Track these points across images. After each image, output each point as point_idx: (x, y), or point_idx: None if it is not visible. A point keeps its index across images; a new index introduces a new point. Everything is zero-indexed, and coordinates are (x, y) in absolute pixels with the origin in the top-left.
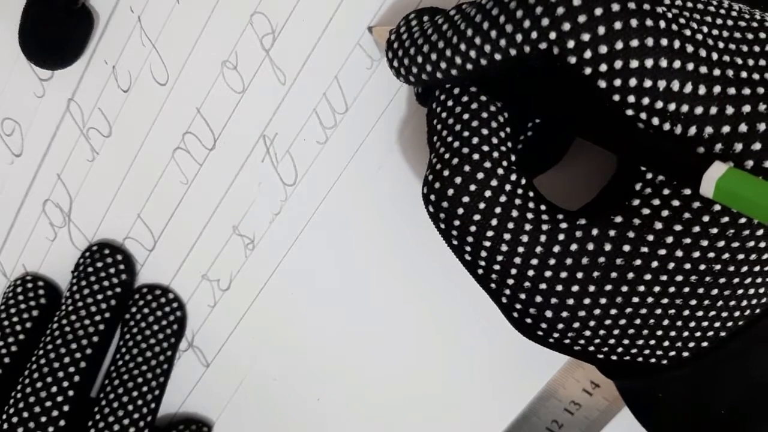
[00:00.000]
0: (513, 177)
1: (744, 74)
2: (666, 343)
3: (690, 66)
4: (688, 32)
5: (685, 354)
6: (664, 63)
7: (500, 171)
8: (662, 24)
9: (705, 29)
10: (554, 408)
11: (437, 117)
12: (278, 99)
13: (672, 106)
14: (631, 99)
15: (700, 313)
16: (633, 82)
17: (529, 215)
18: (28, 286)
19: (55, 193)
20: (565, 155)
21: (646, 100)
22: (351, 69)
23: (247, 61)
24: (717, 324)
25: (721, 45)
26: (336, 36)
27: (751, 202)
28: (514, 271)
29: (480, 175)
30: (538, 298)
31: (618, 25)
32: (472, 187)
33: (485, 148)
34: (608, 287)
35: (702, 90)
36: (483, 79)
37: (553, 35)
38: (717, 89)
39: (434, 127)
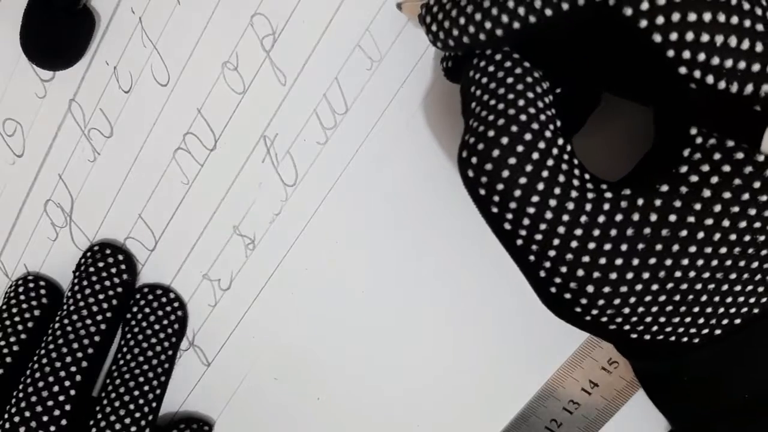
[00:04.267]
0: (560, 141)
1: None
2: (701, 320)
3: (747, 23)
4: None
5: (717, 332)
6: (722, 18)
7: (548, 134)
8: None
9: None
10: (553, 407)
11: (476, 83)
12: (279, 100)
13: (729, 63)
14: (686, 55)
15: (738, 288)
16: (690, 36)
17: (575, 182)
18: (29, 285)
19: (56, 193)
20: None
21: (702, 56)
22: (351, 70)
23: (248, 62)
24: (752, 300)
25: None
26: (336, 37)
27: None
28: (556, 242)
29: (528, 136)
30: (580, 272)
31: None
32: (519, 149)
33: (531, 110)
34: (652, 260)
35: (759, 47)
36: (526, 42)
37: None
38: None
39: (472, 94)
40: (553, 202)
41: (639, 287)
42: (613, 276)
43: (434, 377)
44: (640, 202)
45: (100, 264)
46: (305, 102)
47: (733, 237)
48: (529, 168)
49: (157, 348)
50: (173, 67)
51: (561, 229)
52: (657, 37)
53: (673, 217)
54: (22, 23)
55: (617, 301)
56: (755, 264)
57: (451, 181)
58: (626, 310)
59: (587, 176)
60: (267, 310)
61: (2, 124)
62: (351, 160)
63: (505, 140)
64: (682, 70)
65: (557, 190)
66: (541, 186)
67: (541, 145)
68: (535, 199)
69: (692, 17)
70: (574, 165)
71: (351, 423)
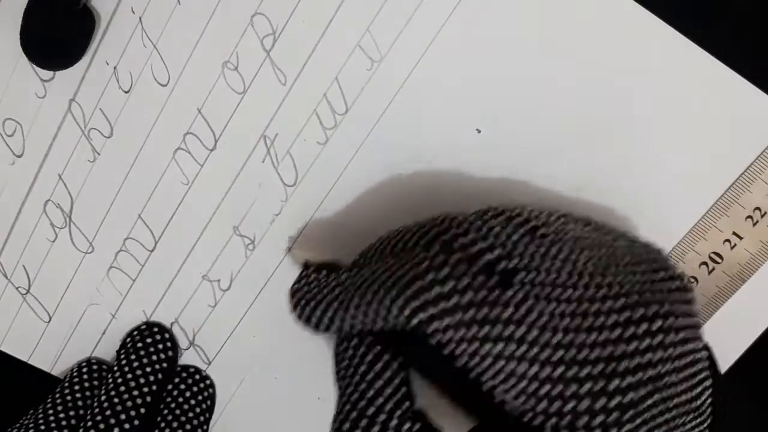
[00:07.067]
0: (406, 426)
1: (574, 370)
2: None
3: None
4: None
5: None
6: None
7: (406, 427)
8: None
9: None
10: None
11: (343, 368)
12: (279, 99)
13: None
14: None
15: None
16: (486, 364)
17: None
18: (93, 367)
19: (56, 194)
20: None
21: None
22: (351, 70)
23: (248, 62)
24: None
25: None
26: (336, 37)
27: None
28: None
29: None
30: None
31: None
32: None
33: (388, 407)
34: None
35: (534, 388)
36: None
37: (416, 320)
38: (546, 388)
39: (340, 374)
40: None
41: None
42: None
43: None
44: None
45: (148, 340)
46: (305, 102)
47: None
48: None
49: (194, 422)
50: (173, 67)
51: None
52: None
53: None
54: (22, 23)
55: None
56: None
57: (451, 181)
58: None
59: None
60: (267, 310)
61: (2, 123)
62: (351, 160)
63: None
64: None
65: None
66: None
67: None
68: None
69: (491, 349)
70: None
71: None
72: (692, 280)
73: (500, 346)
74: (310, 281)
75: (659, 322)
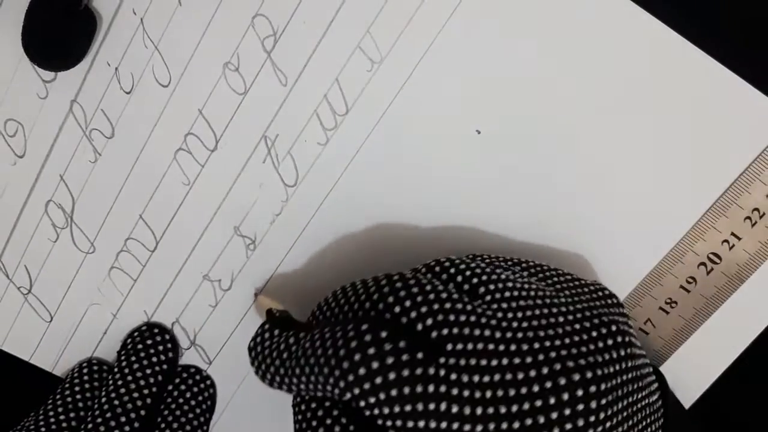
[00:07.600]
0: None
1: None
2: None
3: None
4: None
5: None
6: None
7: None
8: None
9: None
10: None
11: (296, 423)
12: (279, 100)
13: None
14: None
15: None
16: None
17: None
18: (93, 368)
19: (57, 194)
20: None
21: None
22: (351, 71)
23: (249, 63)
24: None
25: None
26: (337, 38)
27: None
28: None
29: None
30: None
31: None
32: None
33: None
34: None
35: None
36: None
37: (348, 395)
38: None
39: (295, 428)
40: None
41: None
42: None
43: None
44: None
45: (149, 341)
46: (306, 103)
47: None
48: None
49: (194, 422)
50: (174, 68)
51: None
52: None
53: None
54: (23, 24)
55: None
56: None
57: (451, 180)
58: None
59: None
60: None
61: (4, 124)
62: (351, 160)
63: None
64: None
65: None
66: None
67: None
68: None
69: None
70: None
71: None
72: (691, 280)
73: (422, 422)
74: (265, 340)
75: (584, 390)
